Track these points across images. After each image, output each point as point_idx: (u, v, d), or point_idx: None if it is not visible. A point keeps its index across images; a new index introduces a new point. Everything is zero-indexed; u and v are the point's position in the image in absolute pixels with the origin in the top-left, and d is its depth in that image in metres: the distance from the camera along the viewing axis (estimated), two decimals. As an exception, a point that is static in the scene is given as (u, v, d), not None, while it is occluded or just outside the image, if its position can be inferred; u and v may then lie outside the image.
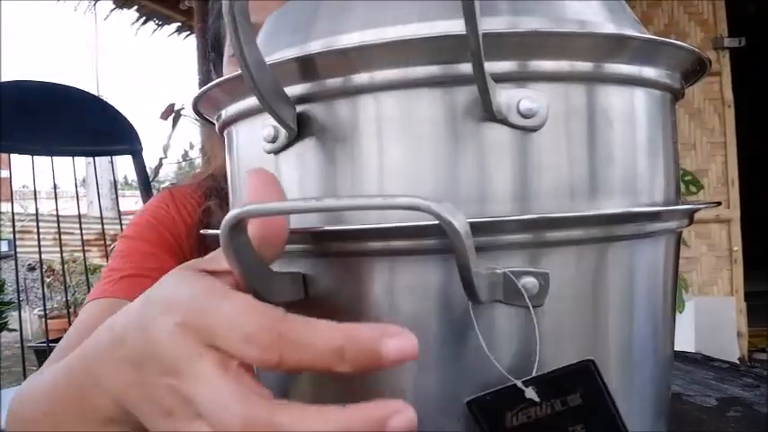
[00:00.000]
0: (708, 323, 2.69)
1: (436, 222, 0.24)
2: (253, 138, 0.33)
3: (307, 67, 0.29)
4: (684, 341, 2.48)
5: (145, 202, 1.31)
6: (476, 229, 0.25)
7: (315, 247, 0.30)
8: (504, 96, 0.27)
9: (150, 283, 0.65)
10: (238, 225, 0.25)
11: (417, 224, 0.27)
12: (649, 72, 0.31)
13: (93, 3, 3.46)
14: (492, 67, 0.27)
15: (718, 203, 0.35)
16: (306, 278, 0.31)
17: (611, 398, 0.27)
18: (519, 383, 0.27)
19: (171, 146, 3.00)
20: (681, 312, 2.26)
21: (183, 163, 3.38)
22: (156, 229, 0.72)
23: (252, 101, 0.32)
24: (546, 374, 0.27)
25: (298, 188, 0.31)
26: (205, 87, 0.34)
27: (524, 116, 0.27)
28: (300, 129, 0.30)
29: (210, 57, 0.87)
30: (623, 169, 0.31)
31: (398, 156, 0.29)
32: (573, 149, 0.29)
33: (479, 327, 0.27)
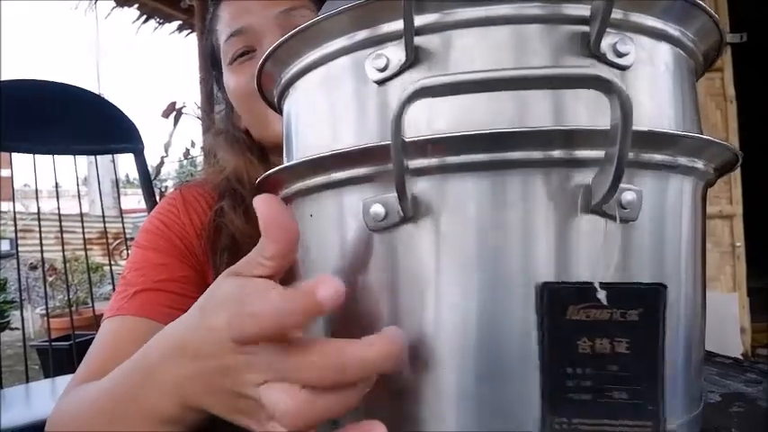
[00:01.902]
0: (711, 319, 2.66)
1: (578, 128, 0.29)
2: (345, 75, 0.35)
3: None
4: (687, 337, 2.47)
5: (147, 200, 1.32)
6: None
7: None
8: (606, 38, 0.31)
9: (160, 296, 0.69)
10: (412, 99, 0.27)
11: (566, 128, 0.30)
12: (674, 31, 0.34)
13: (94, 1, 3.45)
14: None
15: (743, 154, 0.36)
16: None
17: (664, 325, 0.29)
18: (596, 283, 0.28)
19: (172, 144, 2.99)
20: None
21: (185, 161, 3.38)
22: (165, 235, 0.74)
23: (330, 47, 0.35)
24: (619, 284, 0.29)
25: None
26: (269, 51, 0.38)
27: (619, 55, 0.32)
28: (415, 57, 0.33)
29: (214, 75, 0.86)
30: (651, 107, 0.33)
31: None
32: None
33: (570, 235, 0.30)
